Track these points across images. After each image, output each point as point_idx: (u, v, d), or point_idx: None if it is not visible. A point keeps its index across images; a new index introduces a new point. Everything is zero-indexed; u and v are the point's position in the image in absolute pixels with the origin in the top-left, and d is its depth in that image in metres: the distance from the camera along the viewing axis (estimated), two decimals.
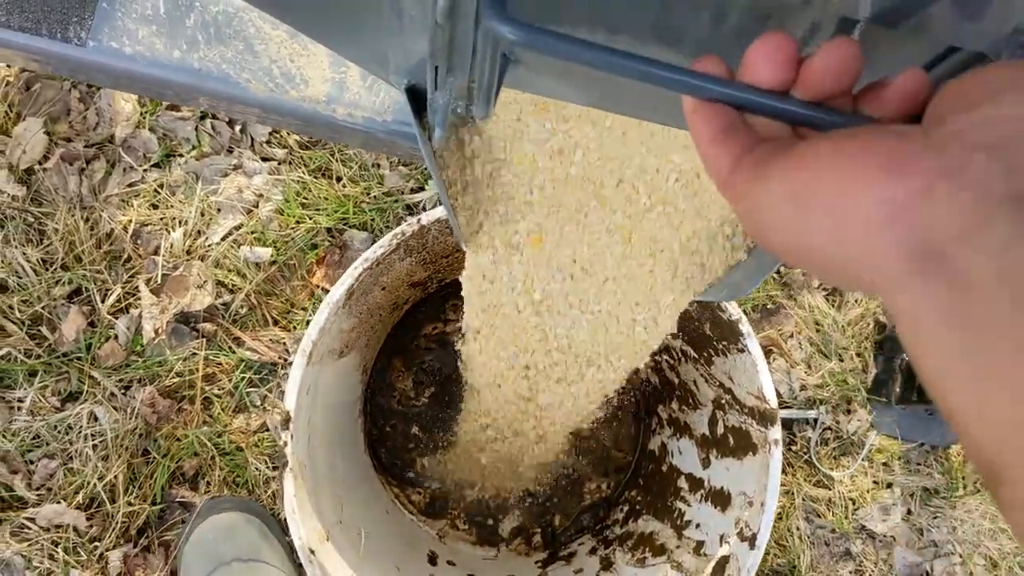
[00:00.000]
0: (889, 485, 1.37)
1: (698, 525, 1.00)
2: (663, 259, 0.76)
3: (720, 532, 0.93)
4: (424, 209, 1.38)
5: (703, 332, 0.99)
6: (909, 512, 1.37)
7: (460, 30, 0.51)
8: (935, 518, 1.37)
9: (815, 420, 1.36)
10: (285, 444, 0.83)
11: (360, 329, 1.05)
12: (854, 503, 1.36)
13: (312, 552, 0.83)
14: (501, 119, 0.71)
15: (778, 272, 1.42)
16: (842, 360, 1.39)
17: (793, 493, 1.34)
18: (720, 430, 1.03)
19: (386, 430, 1.26)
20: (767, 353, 1.39)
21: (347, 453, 1.14)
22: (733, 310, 0.89)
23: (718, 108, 0.33)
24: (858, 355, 1.40)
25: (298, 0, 0.55)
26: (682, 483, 1.09)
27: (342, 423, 1.13)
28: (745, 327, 0.89)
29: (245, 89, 0.79)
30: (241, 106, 0.81)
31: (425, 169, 1.38)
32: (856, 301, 1.40)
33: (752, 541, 0.86)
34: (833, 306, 1.40)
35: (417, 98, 0.70)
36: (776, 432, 0.89)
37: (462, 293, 0.80)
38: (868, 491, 1.36)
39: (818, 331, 1.39)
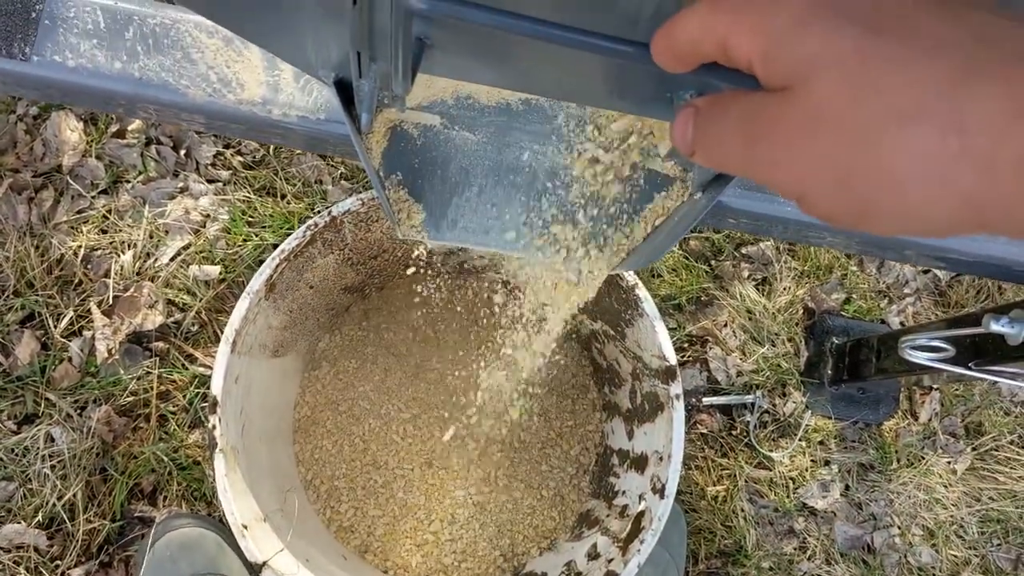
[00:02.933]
0: (827, 463, 1.43)
1: (624, 492, 1.06)
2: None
3: (639, 492, 0.99)
4: None
5: (613, 308, 1.04)
6: (847, 488, 1.43)
7: (378, 13, 0.57)
8: (872, 492, 1.43)
9: (752, 404, 1.42)
10: (213, 427, 0.87)
11: (295, 330, 1.09)
12: (794, 482, 1.42)
13: (245, 527, 0.87)
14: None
15: (709, 265, 1.49)
16: (775, 345, 1.45)
17: (736, 476, 1.40)
18: (639, 400, 1.08)
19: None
20: (703, 343, 1.45)
21: (286, 454, 1.17)
22: (629, 277, 0.95)
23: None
24: (789, 340, 1.46)
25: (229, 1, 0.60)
26: (614, 460, 1.15)
27: (279, 426, 1.17)
28: (641, 291, 0.95)
29: (185, 95, 0.84)
30: (183, 112, 0.85)
31: (365, 182, 1.43)
32: (785, 289, 1.47)
33: (662, 491, 0.91)
34: (763, 294, 1.47)
35: (344, 90, 0.75)
36: (677, 387, 0.95)
37: None
38: (807, 469, 1.42)
39: (750, 319, 1.45)
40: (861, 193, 0.27)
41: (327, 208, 0.91)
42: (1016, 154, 0.24)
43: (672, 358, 0.94)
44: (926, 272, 1.55)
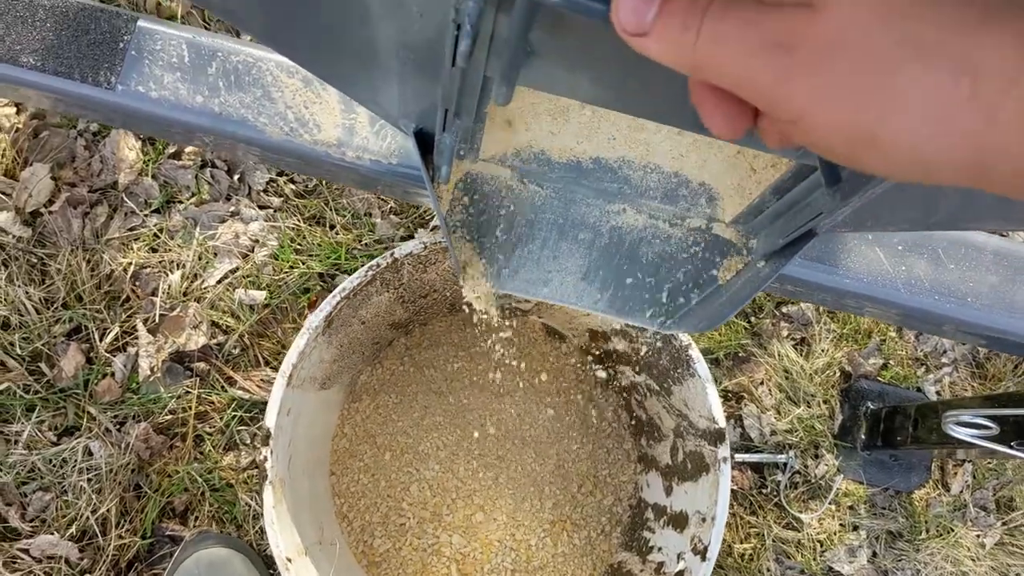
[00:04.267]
0: (855, 528, 1.43)
1: (660, 548, 1.06)
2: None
3: (678, 551, 0.99)
4: None
5: (661, 364, 1.05)
6: (874, 554, 1.43)
7: (471, 74, 0.58)
8: (899, 560, 1.43)
9: (784, 464, 1.42)
10: (265, 459, 0.88)
11: (342, 363, 1.10)
12: (822, 545, 1.41)
13: (289, 560, 0.88)
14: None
15: (748, 322, 1.49)
16: (810, 406, 1.45)
17: (764, 535, 1.39)
18: (680, 457, 1.09)
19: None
20: (738, 399, 1.46)
21: (323, 485, 1.18)
22: (683, 337, 0.96)
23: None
24: (825, 402, 1.46)
25: (322, 53, 0.62)
26: (649, 514, 1.15)
27: (319, 457, 1.18)
28: (694, 352, 0.96)
29: (262, 132, 0.86)
30: (258, 149, 0.87)
31: (414, 219, 1.45)
32: (823, 351, 1.47)
33: (704, 553, 0.92)
34: (801, 355, 1.47)
35: (423, 141, 0.77)
36: (724, 450, 0.95)
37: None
38: (835, 533, 1.42)
39: (787, 378, 1.46)
40: (865, 120, 0.27)
41: (390, 251, 0.92)
42: (1020, 104, 0.24)
43: (722, 421, 0.94)
44: (964, 343, 1.55)
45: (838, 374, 1.49)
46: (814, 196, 0.69)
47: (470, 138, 0.76)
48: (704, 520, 0.95)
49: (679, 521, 1.03)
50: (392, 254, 0.92)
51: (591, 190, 0.84)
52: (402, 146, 0.88)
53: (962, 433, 1.06)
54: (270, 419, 0.89)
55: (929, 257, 0.89)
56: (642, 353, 1.10)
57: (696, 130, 0.63)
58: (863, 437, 1.44)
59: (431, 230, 1.44)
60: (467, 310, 1.30)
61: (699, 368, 0.94)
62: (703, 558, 0.92)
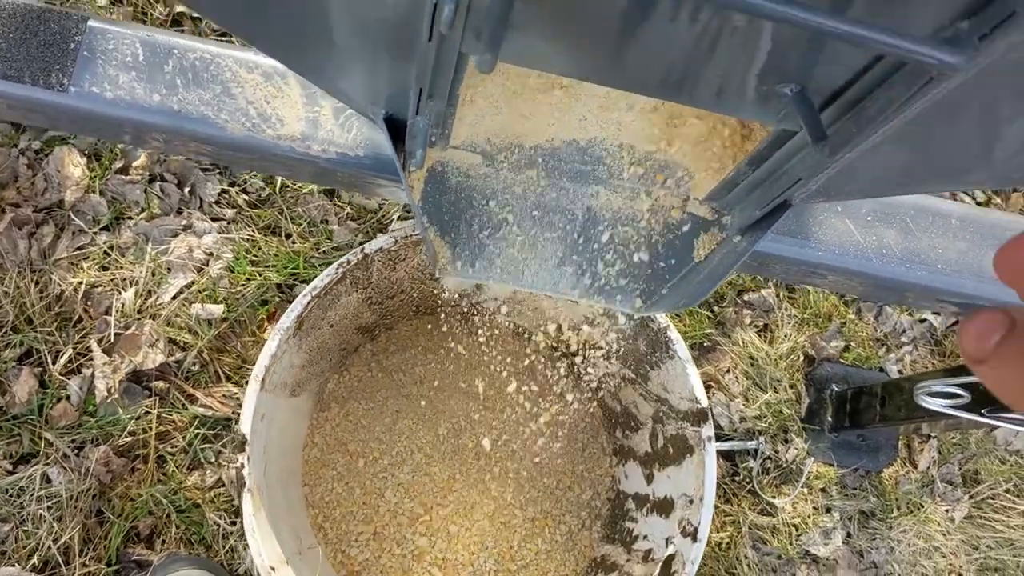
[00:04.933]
0: (828, 510, 1.44)
1: (645, 536, 1.05)
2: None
3: (666, 536, 0.98)
4: None
5: (639, 349, 1.05)
6: (849, 535, 1.44)
7: (446, 50, 0.57)
8: (873, 540, 1.44)
9: (755, 451, 1.42)
10: (242, 466, 0.85)
11: (311, 369, 1.08)
12: (797, 529, 1.42)
13: (273, 569, 0.85)
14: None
15: (712, 311, 1.50)
16: (777, 391, 1.46)
17: (739, 522, 1.39)
18: (660, 443, 1.08)
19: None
20: (707, 388, 1.46)
21: (297, 496, 1.15)
22: (661, 319, 0.95)
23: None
24: (791, 387, 1.47)
25: (285, 39, 0.60)
26: (629, 504, 1.14)
27: (291, 467, 1.15)
28: (673, 333, 0.95)
29: (223, 129, 0.83)
30: (218, 147, 0.85)
31: (372, 223, 1.43)
32: (785, 336, 1.48)
33: (694, 535, 0.91)
34: (765, 341, 1.48)
35: (393, 128, 0.75)
36: (708, 429, 0.95)
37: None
38: (809, 516, 1.42)
39: (753, 365, 1.46)
40: None
41: (361, 247, 0.91)
42: None
43: (704, 400, 0.94)
44: (922, 321, 1.58)
45: (802, 358, 1.50)
46: (792, 162, 0.68)
47: (442, 122, 0.75)
48: (692, 502, 0.94)
49: (664, 507, 1.03)
50: (363, 249, 0.90)
51: (564, 173, 0.83)
52: (368, 138, 0.86)
53: (934, 404, 1.07)
54: (245, 424, 0.86)
55: (898, 226, 0.90)
56: (614, 342, 1.09)
57: (673, 99, 0.63)
58: (830, 419, 1.45)
59: (397, 214, 1.43)
60: (431, 311, 1.29)
61: (678, 349, 0.94)
62: (694, 539, 0.91)
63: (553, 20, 0.53)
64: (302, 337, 0.95)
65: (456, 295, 1.22)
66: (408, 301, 1.17)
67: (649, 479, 1.10)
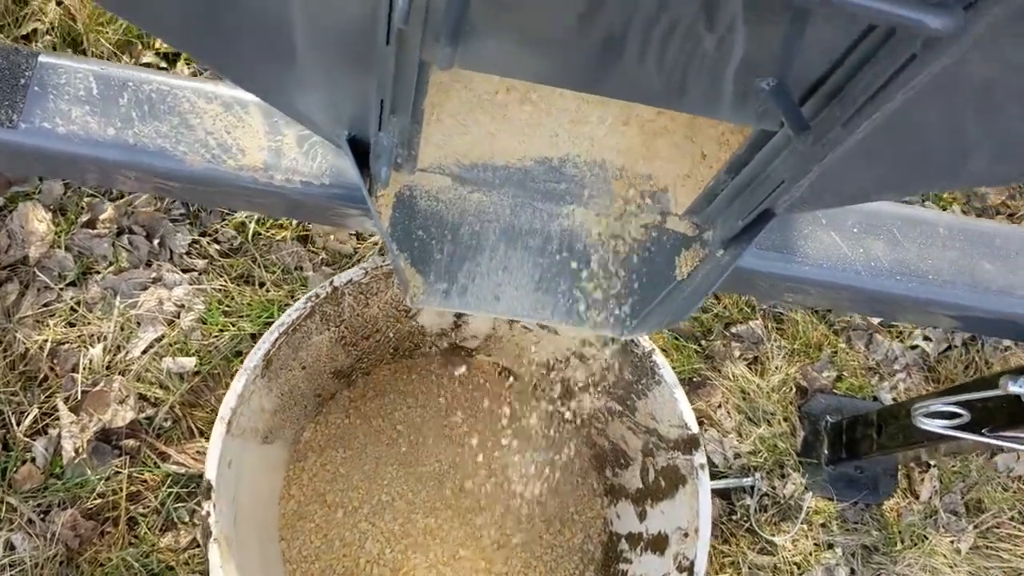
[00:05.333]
0: (830, 546, 1.39)
1: None
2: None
3: (661, 573, 0.93)
4: None
5: (624, 380, 1.01)
6: (852, 572, 1.38)
7: (406, 57, 0.54)
8: (878, 574, 1.39)
9: (752, 487, 1.37)
10: (208, 514, 0.80)
11: (284, 415, 1.03)
12: (799, 567, 1.36)
13: None
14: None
15: (700, 345, 1.46)
16: (771, 425, 1.42)
17: (739, 563, 1.34)
18: (651, 476, 1.04)
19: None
20: (699, 424, 1.41)
21: (273, 552, 1.10)
22: (645, 343, 0.92)
23: None
24: (785, 419, 1.43)
25: (246, 57, 0.58)
26: (623, 545, 1.09)
27: (265, 519, 1.10)
28: (658, 357, 0.91)
29: (182, 162, 0.80)
30: (178, 182, 0.81)
31: (347, 267, 1.39)
32: (776, 368, 1.45)
33: (691, 570, 0.86)
34: (756, 373, 1.44)
35: (357, 151, 0.72)
36: (701, 456, 0.91)
37: None
38: (811, 554, 1.37)
39: (744, 399, 1.42)
40: None
41: (330, 280, 0.87)
42: None
43: (694, 426, 0.90)
44: (914, 348, 1.54)
45: (794, 390, 1.46)
46: (774, 164, 0.66)
47: (407, 141, 0.72)
48: (687, 535, 0.89)
49: (658, 543, 0.98)
50: (332, 282, 0.86)
51: (537, 193, 0.80)
52: (333, 165, 0.83)
53: (933, 425, 1.04)
54: (210, 470, 0.82)
55: (886, 237, 0.87)
56: (599, 373, 1.05)
57: (647, 101, 0.60)
58: (826, 452, 1.41)
59: (372, 255, 1.39)
60: (407, 352, 1.24)
61: (664, 373, 0.90)
62: (690, 574, 0.86)
63: (513, 19, 0.51)
64: (271, 378, 0.90)
65: (434, 333, 1.18)
66: (385, 342, 1.13)
67: (642, 516, 1.06)
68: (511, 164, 0.80)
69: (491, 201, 0.81)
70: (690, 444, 0.90)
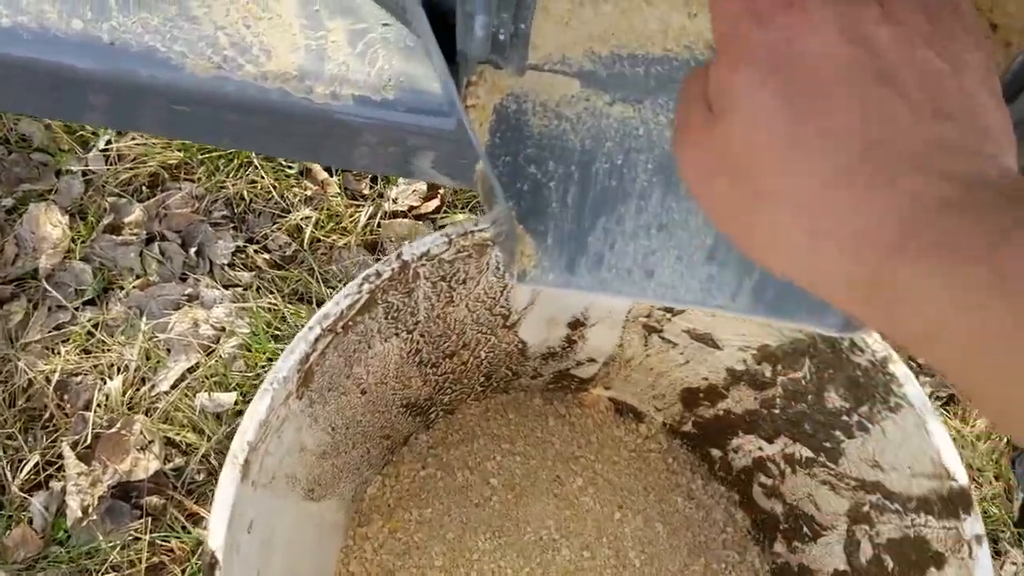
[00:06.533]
0: None
1: None
2: None
3: None
4: None
5: (825, 407, 0.69)
6: None
7: None
8: None
9: None
10: None
11: (338, 460, 0.74)
12: None
13: None
14: None
15: None
16: (979, 484, 1.08)
17: None
18: (868, 554, 0.71)
19: None
20: None
21: None
22: (877, 346, 0.60)
23: None
24: (996, 477, 1.09)
25: None
26: None
27: None
28: (896, 367, 0.60)
29: (179, 68, 0.52)
30: (175, 99, 0.54)
31: None
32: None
33: None
34: (954, 416, 1.11)
35: (437, 17, 0.44)
36: (976, 524, 0.58)
37: None
38: None
39: None
40: (735, 228, 0.30)
41: (397, 252, 0.58)
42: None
43: (961, 475, 0.57)
44: None
45: (1006, 439, 1.12)
46: None
47: (514, 8, 0.44)
48: None
49: None
50: (399, 254, 0.58)
51: None
52: (403, 72, 0.54)
53: None
54: (215, 536, 0.53)
55: None
56: (778, 405, 0.73)
57: None
58: None
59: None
60: (501, 381, 0.95)
61: (909, 392, 0.58)
62: None
63: None
64: (315, 400, 0.62)
65: (538, 355, 0.89)
66: (474, 366, 0.84)
67: None
68: (671, 54, 0.51)
69: (641, 119, 0.52)
70: (954, 504, 0.58)
